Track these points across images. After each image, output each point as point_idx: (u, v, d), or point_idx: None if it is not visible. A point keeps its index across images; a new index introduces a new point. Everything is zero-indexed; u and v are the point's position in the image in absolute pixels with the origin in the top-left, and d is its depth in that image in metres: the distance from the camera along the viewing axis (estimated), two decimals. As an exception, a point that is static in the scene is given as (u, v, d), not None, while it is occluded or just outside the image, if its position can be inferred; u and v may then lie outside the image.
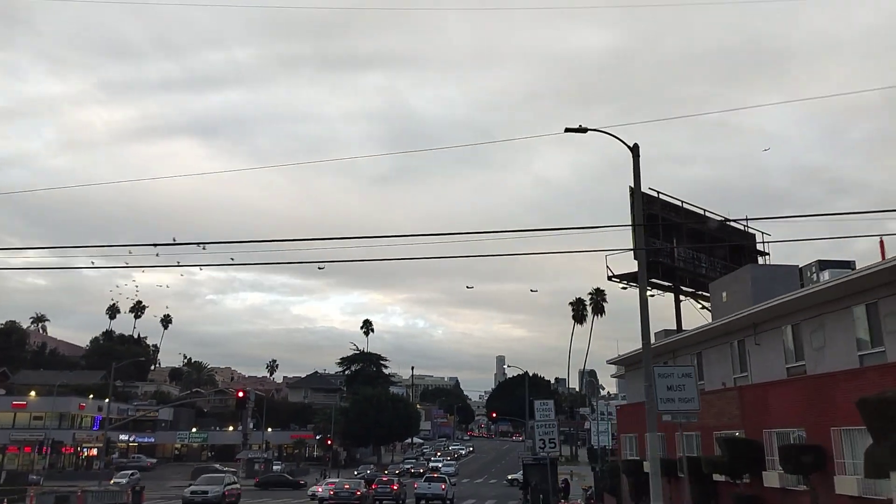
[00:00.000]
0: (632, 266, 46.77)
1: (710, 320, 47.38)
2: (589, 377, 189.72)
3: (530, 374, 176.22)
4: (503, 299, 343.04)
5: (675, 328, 46.67)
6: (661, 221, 45.86)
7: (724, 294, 35.44)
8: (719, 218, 50.16)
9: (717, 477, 28.62)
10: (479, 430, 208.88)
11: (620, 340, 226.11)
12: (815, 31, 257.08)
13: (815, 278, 27.34)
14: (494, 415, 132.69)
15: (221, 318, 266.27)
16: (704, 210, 48.85)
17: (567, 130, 19.82)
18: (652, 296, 48.14)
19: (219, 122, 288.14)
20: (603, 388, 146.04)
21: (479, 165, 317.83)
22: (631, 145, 20.22)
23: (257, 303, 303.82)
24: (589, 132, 19.96)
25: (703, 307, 50.28)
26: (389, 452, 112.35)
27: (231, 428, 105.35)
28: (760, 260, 51.47)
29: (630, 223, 45.61)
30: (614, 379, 58.38)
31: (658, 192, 46.39)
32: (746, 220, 51.44)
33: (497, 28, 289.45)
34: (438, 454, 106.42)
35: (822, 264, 27.32)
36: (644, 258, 20.43)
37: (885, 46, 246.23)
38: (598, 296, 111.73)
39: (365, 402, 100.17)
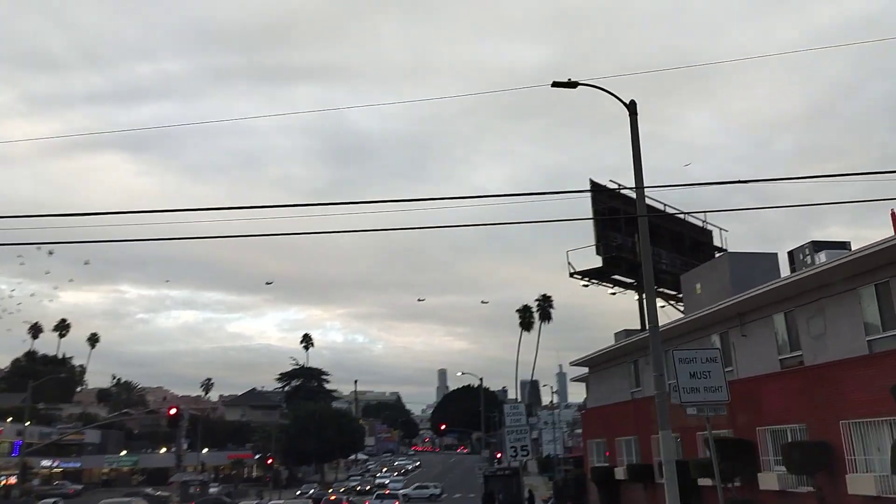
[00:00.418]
0: (592, 263, 44.68)
1: (681, 315, 45.37)
2: (532, 387, 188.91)
3: (474, 386, 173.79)
4: (445, 312, 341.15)
5: (640, 327, 44.51)
6: (623, 215, 43.75)
7: (698, 286, 33.27)
8: (679, 213, 48.44)
9: (703, 482, 26.16)
10: (423, 445, 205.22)
11: (563, 350, 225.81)
12: (739, 46, 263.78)
13: (808, 261, 25.23)
14: (443, 427, 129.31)
15: (153, 337, 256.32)
16: (665, 205, 46.98)
17: (555, 84, 17.14)
18: (613, 293, 46.03)
19: (149, 135, 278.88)
20: (557, 395, 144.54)
21: (416, 178, 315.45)
22: (627, 102, 17.62)
23: (191, 321, 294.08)
24: (579, 87, 17.27)
25: (667, 305, 48.36)
26: (333, 470, 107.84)
27: (164, 450, 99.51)
28: (718, 255, 49.94)
29: (592, 216, 43.42)
30: (577, 383, 55.84)
31: (619, 185, 44.28)
32: (705, 214, 49.93)
33: (431, 43, 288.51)
34: (385, 470, 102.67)
35: (817, 246, 25.23)
36: (646, 225, 17.80)
37: (804, 62, 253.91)
38: (545, 302, 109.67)
39: (307, 418, 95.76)
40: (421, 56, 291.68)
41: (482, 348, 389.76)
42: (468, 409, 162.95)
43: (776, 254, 31.00)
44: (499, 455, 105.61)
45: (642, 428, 33.42)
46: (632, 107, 17.65)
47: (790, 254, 27.14)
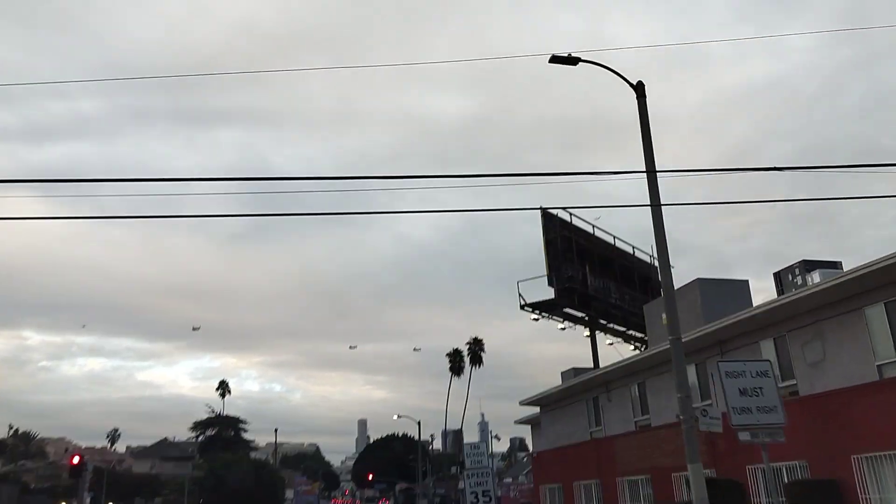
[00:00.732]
0: (544, 294, 42.33)
1: (633, 353, 43.21)
2: (455, 437, 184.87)
3: (399, 435, 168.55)
4: (366, 360, 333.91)
5: (592, 365, 42.20)
6: (576, 245, 41.73)
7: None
8: (628, 247, 46.83)
9: (684, 529, 23.53)
10: (343, 498, 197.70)
11: (487, 399, 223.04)
12: (652, 104, 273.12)
13: (799, 282, 23.32)
14: (371, 477, 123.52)
15: (57, 386, 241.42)
16: (615, 238, 45.28)
17: (553, 60, 14.66)
18: (563, 328, 43.68)
19: (60, 175, 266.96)
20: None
21: (339, 223, 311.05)
22: (634, 83, 15.30)
23: (98, 369, 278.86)
24: (580, 64, 14.85)
25: (616, 342, 46.31)
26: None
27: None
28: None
29: (543, 246, 41.19)
30: (521, 425, 52.95)
31: (571, 215, 42.33)
32: (652, 250, 48.41)
33: (358, 90, 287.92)
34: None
35: (808, 265, 23.41)
36: (660, 216, 15.31)
37: (712, 122, 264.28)
38: (476, 345, 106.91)
39: (223, 469, 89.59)
40: (346, 102, 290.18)
41: (404, 397, 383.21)
42: (392, 459, 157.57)
43: (747, 281, 29.22)
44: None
45: (605, 471, 30.79)
46: (639, 88, 15.36)
47: (777, 275, 25.27)
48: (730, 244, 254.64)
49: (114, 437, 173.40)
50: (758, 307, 22.57)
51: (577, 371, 44.38)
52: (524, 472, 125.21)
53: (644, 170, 14.60)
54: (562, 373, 46.26)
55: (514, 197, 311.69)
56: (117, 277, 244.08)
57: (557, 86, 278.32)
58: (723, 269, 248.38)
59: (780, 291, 24.47)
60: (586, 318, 42.54)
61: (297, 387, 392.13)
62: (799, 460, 20.21)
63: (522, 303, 40.32)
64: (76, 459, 46.32)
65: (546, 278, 39.99)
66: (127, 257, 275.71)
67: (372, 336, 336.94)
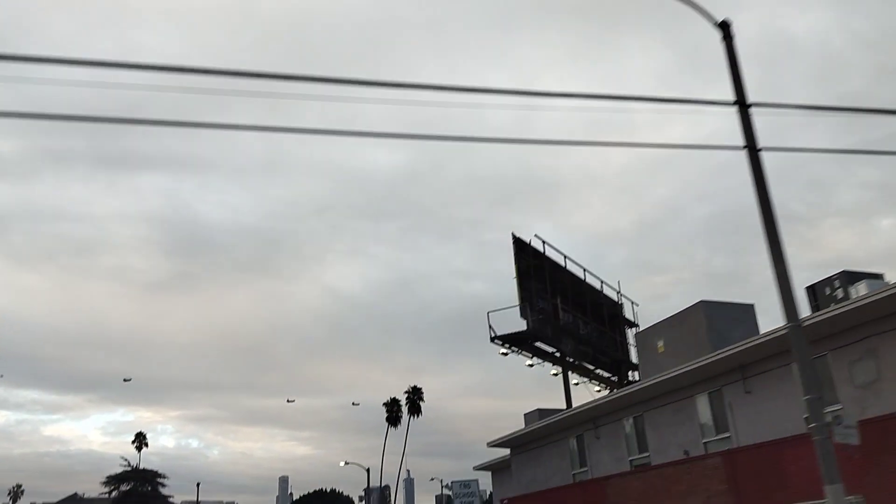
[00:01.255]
0: (514, 327, 39.08)
1: (601, 393, 40.38)
2: (380, 494, 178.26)
3: (326, 491, 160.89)
4: (287, 416, 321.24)
5: (566, 404, 39.02)
6: (549, 276, 38.86)
7: (661, 343, 28.23)
8: (596, 282, 44.28)
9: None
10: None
11: (412, 456, 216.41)
12: (579, 165, 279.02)
13: (839, 294, 20.77)
14: None
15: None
16: (585, 271, 42.63)
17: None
18: (531, 365, 40.49)
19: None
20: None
21: (265, 274, 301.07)
22: (718, 21, 12.54)
23: (0, 423, 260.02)
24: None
25: (583, 383, 43.34)
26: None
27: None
28: (630, 331, 45.96)
29: (515, 273, 38.09)
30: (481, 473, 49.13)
31: (544, 244, 39.53)
32: (619, 286, 46.07)
33: (287, 140, 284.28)
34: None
35: (850, 277, 20.91)
36: (758, 160, 12.30)
37: (635, 183, 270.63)
38: (415, 395, 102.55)
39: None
40: (275, 152, 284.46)
41: (328, 453, 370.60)
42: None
43: (752, 304, 26.71)
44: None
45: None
46: (724, 27, 12.58)
47: (811, 289, 22.69)
48: (652, 301, 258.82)
49: (16, 493, 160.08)
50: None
51: (542, 412, 41.13)
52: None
53: (734, 101, 11.74)
54: (525, 414, 42.91)
55: (445, 250, 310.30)
56: (25, 325, 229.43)
57: (488, 144, 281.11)
58: (643, 325, 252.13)
59: (815, 307, 21.90)
60: (557, 354, 39.43)
61: (216, 442, 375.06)
62: (855, 496, 17.31)
63: (493, 335, 36.98)
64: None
65: (518, 309, 36.84)
66: (37, 304, 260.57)
67: (296, 390, 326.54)
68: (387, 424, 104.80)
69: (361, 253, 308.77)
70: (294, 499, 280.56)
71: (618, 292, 45.29)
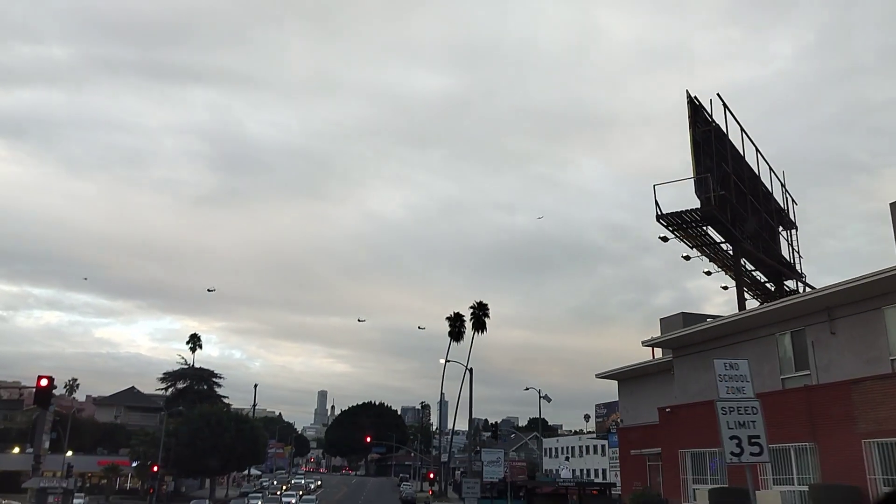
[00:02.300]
0: (681, 204, 32.31)
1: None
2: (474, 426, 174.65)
3: (375, 403, 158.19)
4: (327, 333, 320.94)
5: (738, 307, 32.38)
6: (730, 152, 31.67)
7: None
8: (765, 168, 36.99)
9: None
10: (308, 465, 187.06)
11: (451, 380, 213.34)
12: (633, 101, 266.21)
13: None
14: (369, 439, 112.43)
15: (10, 337, 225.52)
16: (757, 152, 35.29)
17: None
18: (687, 258, 33.77)
19: (26, 122, 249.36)
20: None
21: (309, 195, 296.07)
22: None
23: (54, 322, 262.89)
24: None
25: (758, 294, 36.43)
26: (221, 486, 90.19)
27: (17, 450, 79.35)
28: (786, 234, 38.84)
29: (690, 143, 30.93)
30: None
31: (726, 109, 32.18)
32: (783, 179, 38.71)
33: (338, 61, 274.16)
34: (285, 488, 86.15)
35: None
36: None
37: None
38: (480, 310, 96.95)
39: (201, 421, 78.62)
40: (325, 72, 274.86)
41: (365, 372, 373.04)
42: (369, 427, 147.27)
43: None
44: (431, 475, 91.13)
45: (828, 430, 21.02)
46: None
47: None
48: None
49: (72, 387, 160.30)
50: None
51: (687, 317, 34.88)
52: (513, 448, 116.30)
53: None
54: (662, 320, 36.77)
55: (490, 181, 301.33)
56: (79, 231, 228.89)
57: (541, 72, 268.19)
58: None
59: None
60: (724, 247, 32.58)
61: (258, 355, 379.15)
62: None
63: (658, 212, 30.20)
64: (45, 382, 35.28)
65: (692, 183, 29.90)
66: (89, 212, 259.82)
67: (336, 310, 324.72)
68: (449, 339, 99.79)
69: (405, 179, 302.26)
70: (335, 412, 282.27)
71: (783, 186, 38.05)
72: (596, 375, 38.98)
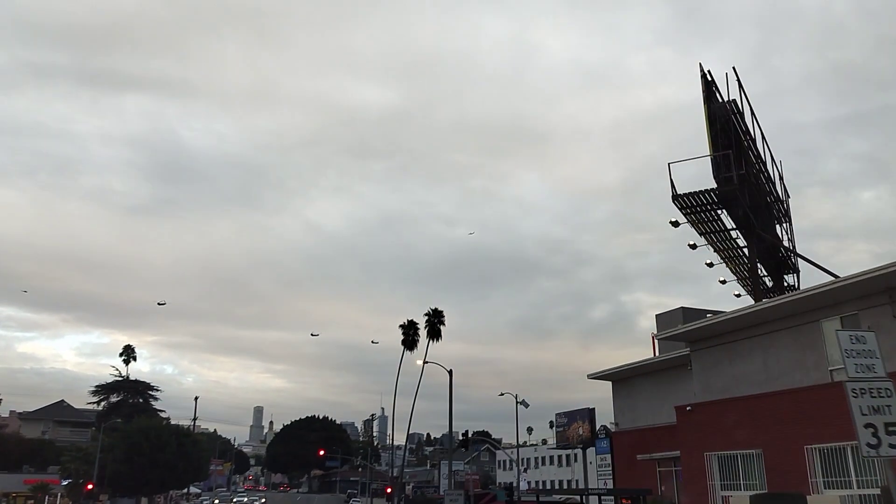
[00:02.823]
0: (697, 184, 29.66)
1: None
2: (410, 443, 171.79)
3: (318, 418, 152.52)
4: (264, 347, 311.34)
5: (754, 299, 29.95)
6: (743, 131, 29.31)
7: None
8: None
9: None
10: (246, 482, 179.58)
11: (383, 395, 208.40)
12: (570, 117, 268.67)
13: None
14: (322, 453, 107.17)
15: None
16: (762, 136, 33.09)
17: None
18: (694, 246, 31.28)
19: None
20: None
21: (247, 205, 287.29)
22: None
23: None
24: None
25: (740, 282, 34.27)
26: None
27: (-68, 469, 72.21)
28: (785, 227, 36.97)
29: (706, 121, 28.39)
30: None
31: (740, 84, 29.86)
32: (780, 168, 36.85)
33: (277, 70, 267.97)
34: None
35: None
36: None
37: (625, 139, 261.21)
38: (436, 317, 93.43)
39: (139, 435, 72.86)
40: (263, 81, 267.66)
41: (302, 387, 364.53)
42: (314, 441, 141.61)
43: None
44: (389, 490, 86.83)
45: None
46: None
47: None
48: (632, 258, 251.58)
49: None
50: None
51: (686, 311, 32.64)
52: (465, 460, 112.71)
53: None
54: (659, 316, 34.50)
55: (431, 193, 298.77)
56: (1, 241, 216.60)
57: (481, 87, 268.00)
58: (622, 281, 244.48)
59: None
60: (735, 234, 30.16)
61: (191, 370, 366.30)
62: None
63: (674, 192, 27.53)
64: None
65: (708, 164, 27.39)
66: (14, 220, 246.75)
67: (273, 324, 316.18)
68: (403, 348, 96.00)
69: (346, 190, 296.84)
70: (274, 427, 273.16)
71: (780, 176, 36.10)
72: (588, 376, 36.23)
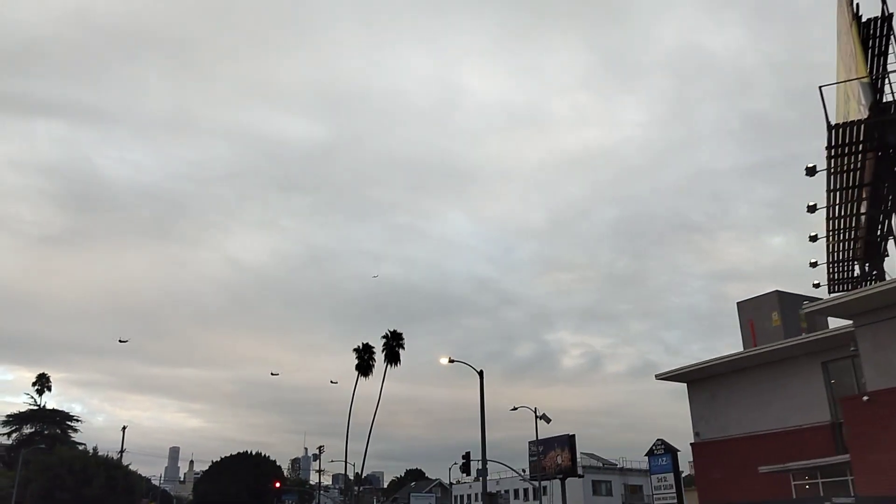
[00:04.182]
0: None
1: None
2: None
3: (251, 453, 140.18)
4: (180, 385, 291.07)
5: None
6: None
7: None
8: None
9: None
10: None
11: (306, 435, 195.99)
12: (495, 157, 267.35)
13: None
14: (279, 485, 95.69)
15: None
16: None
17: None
18: (812, 207, 25.33)
19: None
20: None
21: (164, 238, 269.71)
22: None
23: None
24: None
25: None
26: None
27: None
28: None
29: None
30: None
31: None
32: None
33: (198, 99, 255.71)
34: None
35: None
36: None
37: (549, 181, 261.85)
38: (394, 340, 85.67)
39: (62, 468, 62.17)
40: (184, 111, 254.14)
41: (220, 427, 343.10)
42: (243, 481, 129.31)
43: None
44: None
45: None
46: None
47: None
48: (556, 297, 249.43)
49: None
50: None
51: (783, 296, 26.68)
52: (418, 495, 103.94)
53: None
54: (740, 303, 28.48)
55: (356, 229, 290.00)
56: None
57: (408, 125, 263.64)
58: (546, 320, 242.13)
59: None
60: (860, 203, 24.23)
61: (101, 409, 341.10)
62: None
63: (830, 122, 21.29)
64: None
65: (862, 87, 21.60)
66: None
67: (190, 361, 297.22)
68: (357, 373, 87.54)
69: (270, 225, 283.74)
70: (194, 468, 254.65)
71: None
72: (656, 377, 29.65)
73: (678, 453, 30.61)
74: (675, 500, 29.86)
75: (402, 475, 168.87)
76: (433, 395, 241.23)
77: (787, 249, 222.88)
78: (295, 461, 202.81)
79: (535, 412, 43.48)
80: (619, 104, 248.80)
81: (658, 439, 31.58)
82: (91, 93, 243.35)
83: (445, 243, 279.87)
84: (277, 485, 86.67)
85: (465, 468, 40.33)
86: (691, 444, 28.44)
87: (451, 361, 31.73)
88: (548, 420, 43.46)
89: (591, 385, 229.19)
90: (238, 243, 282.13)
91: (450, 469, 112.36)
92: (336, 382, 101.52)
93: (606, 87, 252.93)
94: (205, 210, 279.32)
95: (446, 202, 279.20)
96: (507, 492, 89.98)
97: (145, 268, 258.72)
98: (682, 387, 29.32)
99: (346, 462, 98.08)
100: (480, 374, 30.90)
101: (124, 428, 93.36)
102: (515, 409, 34.43)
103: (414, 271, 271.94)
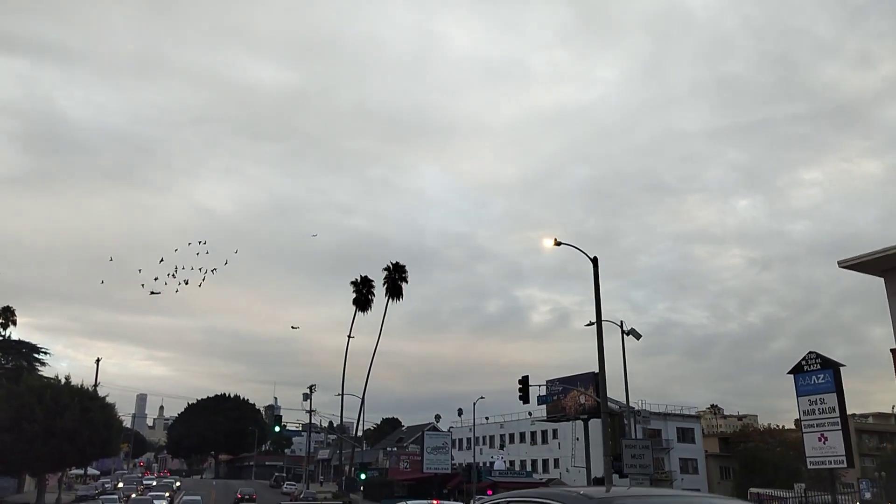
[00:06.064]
0: None
1: None
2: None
3: (229, 396, 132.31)
4: (146, 333, 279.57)
5: None
6: None
7: None
8: None
9: None
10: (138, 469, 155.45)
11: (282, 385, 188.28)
12: (471, 112, 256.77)
13: None
14: (278, 429, 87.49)
15: None
16: None
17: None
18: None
19: None
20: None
21: (129, 182, 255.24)
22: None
23: None
24: None
25: None
26: (50, 489, 63.60)
27: None
28: None
29: None
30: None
31: None
32: None
33: (166, 40, 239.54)
34: (147, 491, 62.02)
35: None
36: None
37: (523, 137, 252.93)
38: (397, 272, 77.70)
39: (30, 396, 53.61)
40: (151, 52, 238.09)
41: (188, 376, 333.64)
42: (220, 424, 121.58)
43: None
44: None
45: None
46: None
47: None
48: (525, 255, 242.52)
49: None
50: None
51: None
52: (409, 440, 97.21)
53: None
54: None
55: (328, 181, 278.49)
56: None
57: (383, 74, 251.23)
58: (517, 277, 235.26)
59: None
60: None
61: (65, 355, 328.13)
62: None
63: None
64: None
65: None
66: None
67: (156, 309, 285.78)
68: (354, 308, 79.58)
69: (237, 172, 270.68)
70: (164, 413, 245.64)
71: None
72: (839, 264, 21.97)
73: (841, 369, 23.39)
74: (839, 427, 22.70)
75: (379, 423, 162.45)
76: (403, 349, 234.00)
77: (753, 213, 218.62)
78: (269, 408, 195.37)
79: (622, 326, 36.00)
80: (596, 62, 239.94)
81: (811, 352, 24.21)
82: (55, 29, 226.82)
83: (419, 197, 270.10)
84: (277, 429, 78.17)
85: (524, 394, 32.80)
86: (892, 349, 21.15)
87: (558, 244, 24.11)
88: (637, 336, 36.05)
89: (559, 340, 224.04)
90: (204, 190, 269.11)
91: (436, 416, 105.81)
92: (297, 328, 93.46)
93: (584, 45, 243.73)
94: (170, 155, 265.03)
95: (421, 156, 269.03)
96: (511, 435, 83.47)
97: (109, 212, 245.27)
98: (651, 339, 21.80)
99: (342, 407, 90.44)
100: (594, 260, 23.45)
101: (98, 360, 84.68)
102: (590, 324, 26.87)
103: (386, 225, 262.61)
